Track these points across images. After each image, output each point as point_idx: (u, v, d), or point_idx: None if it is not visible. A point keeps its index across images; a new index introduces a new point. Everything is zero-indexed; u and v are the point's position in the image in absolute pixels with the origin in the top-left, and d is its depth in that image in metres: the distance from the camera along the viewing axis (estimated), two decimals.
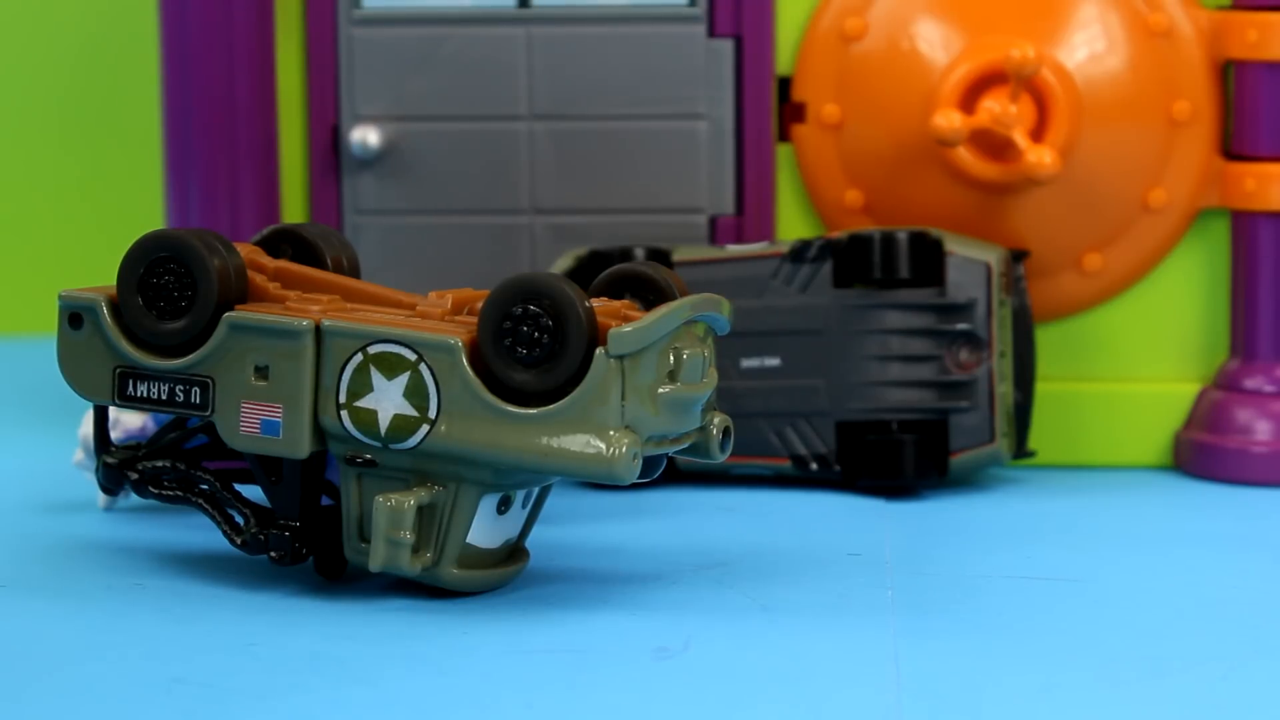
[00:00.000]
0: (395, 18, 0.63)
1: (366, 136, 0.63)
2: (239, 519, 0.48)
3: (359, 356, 0.45)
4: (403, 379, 0.45)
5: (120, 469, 0.49)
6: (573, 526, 0.54)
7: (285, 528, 0.47)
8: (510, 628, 0.44)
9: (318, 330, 0.46)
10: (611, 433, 0.44)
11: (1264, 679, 0.40)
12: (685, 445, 0.47)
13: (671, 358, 0.45)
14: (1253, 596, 0.47)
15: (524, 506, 0.47)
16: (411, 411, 0.45)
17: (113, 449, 0.50)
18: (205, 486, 0.48)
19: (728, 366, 0.58)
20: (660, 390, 0.45)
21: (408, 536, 0.45)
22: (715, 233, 0.63)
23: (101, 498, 0.55)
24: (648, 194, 0.63)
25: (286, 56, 0.64)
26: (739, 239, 0.63)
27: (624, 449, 0.44)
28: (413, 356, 0.45)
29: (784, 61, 0.63)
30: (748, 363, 0.58)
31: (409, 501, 0.45)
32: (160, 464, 0.49)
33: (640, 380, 0.45)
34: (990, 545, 0.52)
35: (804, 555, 0.51)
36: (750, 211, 0.63)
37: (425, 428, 0.45)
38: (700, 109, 0.63)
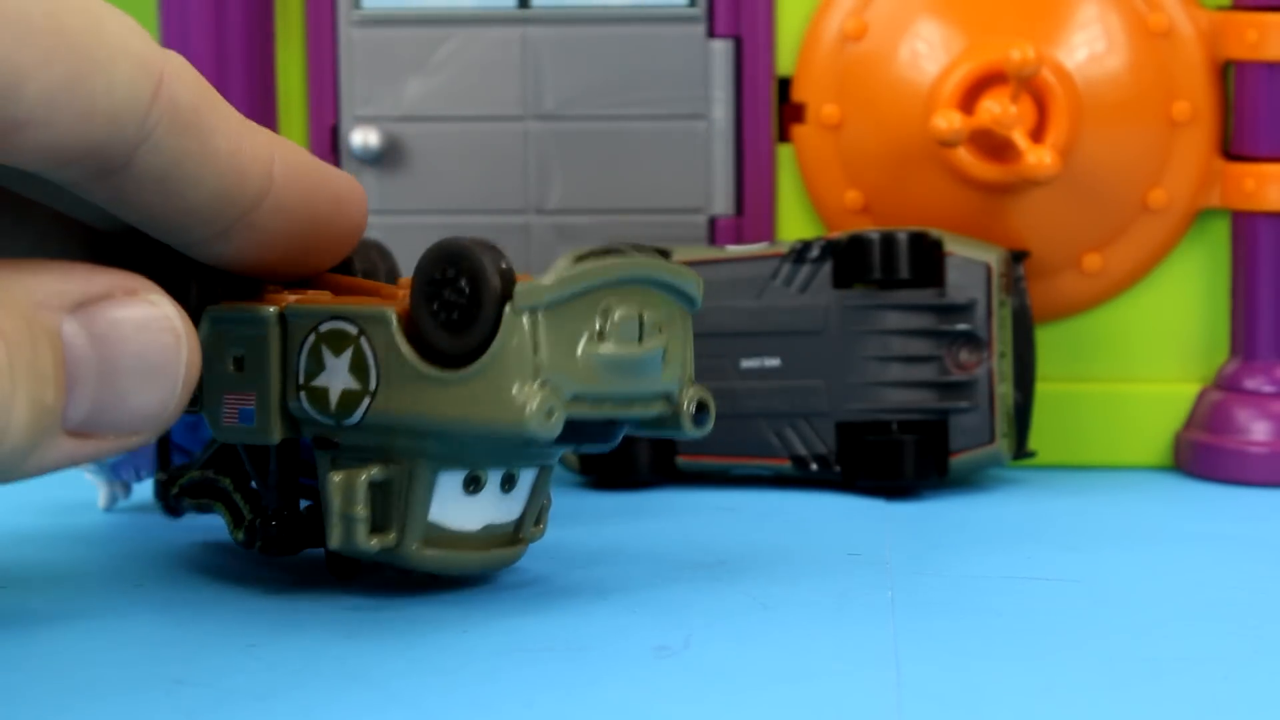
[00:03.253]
0: (395, 18, 0.63)
1: (367, 137, 0.63)
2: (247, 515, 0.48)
3: (312, 337, 0.45)
4: (347, 354, 0.45)
5: (167, 487, 0.51)
6: (573, 526, 0.54)
7: (272, 518, 0.47)
8: (510, 626, 0.44)
9: (282, 317, 0.46)
10: (523, 387, 0.43)
11: (1264, 679, 0.40)
12: (649, 416, 0.46)
13: (600, 318, 0.45)
14: (1252, 597, 0.47)
15: (508, 490, 0.47)
16: (355, 385, 0.45)
17: (167, 469, 0.51)
18: (223, 487, 0.49)
19: (727, 367, 0.58)
20: (586, 349, 0.44)
21: (362, 511, 0.44)
22: (715, 233, 0.63)
23: (102, 498, 0.55)
24: (648, 194, 0.63)
25: (286, 57, 0.64)
26: (739, 239, 0.63)
27: (536, 404, 0.43)
28: (354, 330, 0.45)
29: (784, 62, 0.63)
30: (747, 363, 0.58)
31: (361, 476, 0.45)
32: (193, 475, 0.49)
33: (558, 336, 0.44)
34: (990, 545, 0.52)
35: (804, 555, 0.51)
36: (750, 212, 0.63)
37: (367, 400, 0.45)
38: (700, 109, 0.63)
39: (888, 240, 0.58)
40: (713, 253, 0.59)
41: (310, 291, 0.47)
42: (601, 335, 0.44)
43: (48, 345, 0.41)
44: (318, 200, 0.46)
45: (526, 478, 0.47)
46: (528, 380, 0.43)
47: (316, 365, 0.45)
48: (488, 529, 0.46)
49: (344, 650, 0.42)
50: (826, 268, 0.58)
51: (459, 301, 0.44)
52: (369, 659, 0.42)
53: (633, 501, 0.57)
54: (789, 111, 0.63)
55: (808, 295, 0.58)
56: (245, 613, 0.45)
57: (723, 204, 0.63)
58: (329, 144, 0.64)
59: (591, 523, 0.55)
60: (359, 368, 0.45)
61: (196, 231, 0.45)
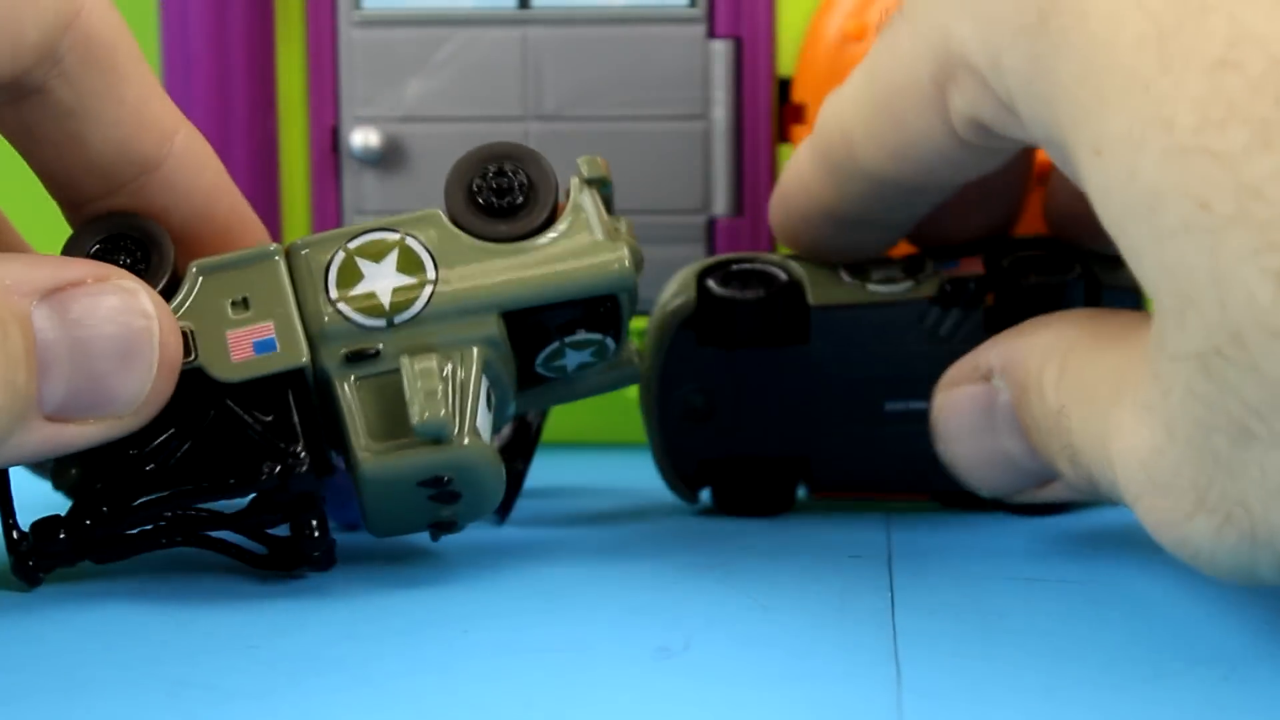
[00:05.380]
0: (395, 19, 0.63)
1: (368, 137, 0.63)
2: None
3: (341, 254, 0.47)
4: (391, 257, 0.47)
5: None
6: (573, 527, 0.54)
7: (287, 454, 0.47)
8: (511, 627, 0.44)
9: (287, 253, 0.48)
10: (609, 241, 0.48)
11: (1265, 680, 0.40)
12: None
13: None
14: (1253, 597, 0.47)
15: (491, 409, 0.48)
16: (409, 280, 0.47)
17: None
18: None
19: (872, 410, 0.54)
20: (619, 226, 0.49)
21: (441, 388, 0.46)
22: (715, 233, 0.63)
23: None
24: (648, 195, 0.63)
25: (287, 58, 0.64)
26: (739, 239, 0.63)
27: (624, 253, 0.48)
28: (396, 235, 0.48)
29: (784, 62, 0.63)
30: (892, 406, 0.55)
31: (431, 359, 0.46)
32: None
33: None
34: (991, 546, 0.52)
35: (805, 556, 0.51)
36: (750, 212, 0.63)
37: (429, 288, 0.47)
38: (700, 110, 0.63)
39: (1054, 289, 0.53)
40: (852, 294, 0.54)
41: None
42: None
43: (17, 329, 0.42)
44: (215, 200, 0.48)
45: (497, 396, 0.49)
46: (609, 236, 0.48)
47: (353, 277, 0.47)
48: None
49: (344, 650, 0.42)
50: (978, 315, 0.53)
51: (514, 185, 0.48)
52: (369, 659, 0.42)
53: (634, 502, 0.57)
54: (789, 112, 0.63)
55: (957, 340, 0.53)
56: (245, 613, 0.45)
57: (723, 204, 0.63)
58: (329, 145, 0.64)
59: (592, 523, 0.55)
60: (410, 264, 0.47)
61: (89, 187, 0.46)
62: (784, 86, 0.63)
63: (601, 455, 0.66)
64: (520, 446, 0.55)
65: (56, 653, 0.42)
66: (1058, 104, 0.40)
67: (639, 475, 0.62)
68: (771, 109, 0.63)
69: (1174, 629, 0.44)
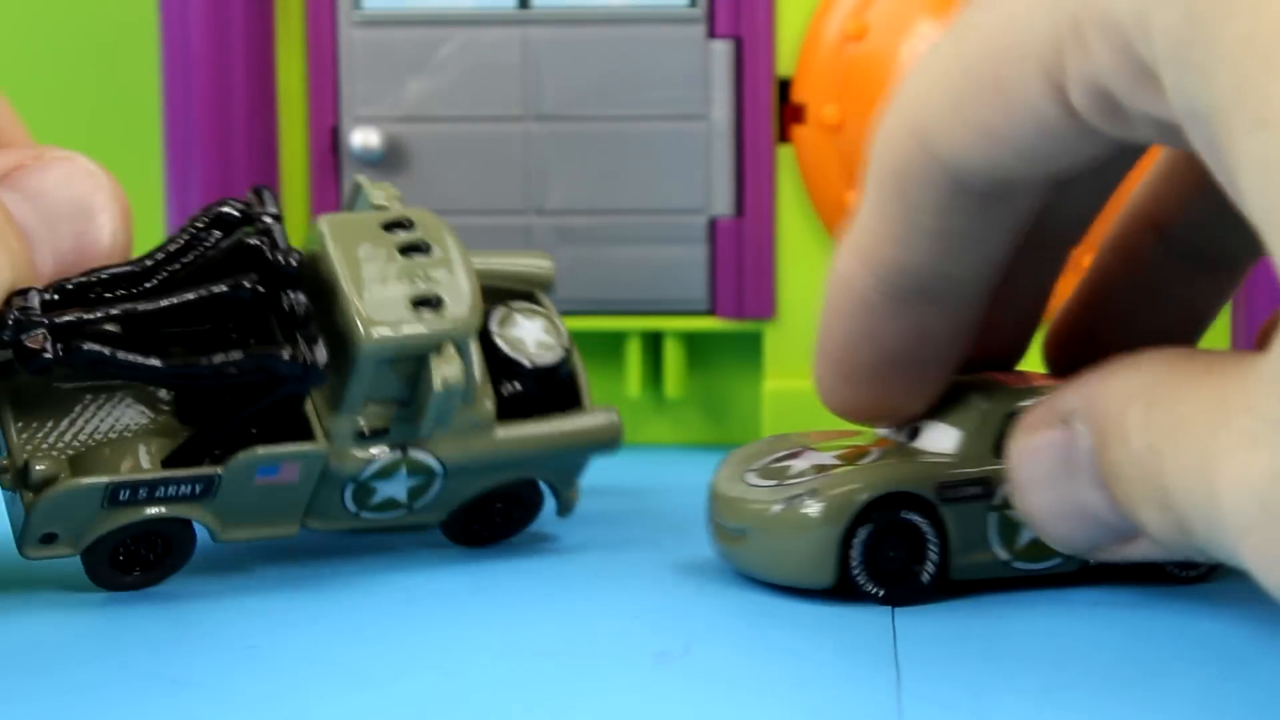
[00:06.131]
0: (395, 19, 0.63)
1: (368, 138, 0.63)
2: None
3: None
4: None
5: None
6: (573, 529, 0.54)
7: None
8: (511, 630, 0.44)
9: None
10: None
11: (1265, 681, 0.40)
12: None
13: None
14: (1255, 596, 0.47)
15: None
16: None
17: None
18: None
19: None
20: None
21: None
22: (715, 234, 0.63)
23: None
24: (648, 195, 0.63)
25: (287, 58, 0.64)
26: (740, 239, 0.63)
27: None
28: None
29: (784, 62, 0.63)
30: None
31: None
32: None
33: None
34: None
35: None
36: (750, 213, 0.63)
37: None
38: (700, 110, 0.63)
39: None
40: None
41: None
42: None
43: None
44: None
45: None
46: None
47: None
48: None
49: (344, 652, 0.42)
50: None
51: None
52: (369, 661, 0.42)
53: (635, 503, 0.57)
54: (789, 112, 0.63)
55: None
56: (245, 613, 0.45)
57: (723, 205, 0.63)
58: (329, 145, 0.64)
59: (591, 528, 0.55)
60: None
61: None
62: (784, 86, 0.63)
63: (603, 455, 0.66)
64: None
65: (57, 652, 0.42)
66: (1215, 69, 0.36)
67: (639, 477, 0.62)
68: (772, 109, 0.63)
69: (1174, 629, 0.44)
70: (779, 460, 0.48)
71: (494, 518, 0.52)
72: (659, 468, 0.63)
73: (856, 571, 0.46)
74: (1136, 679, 0.40)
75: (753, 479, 0.48)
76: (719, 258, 0.63)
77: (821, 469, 0.47)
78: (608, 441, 0.52)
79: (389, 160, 0.63)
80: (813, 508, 0.46)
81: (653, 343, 0.66)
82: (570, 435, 0.51)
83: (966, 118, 0.42)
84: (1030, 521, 0.44)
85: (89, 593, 0.47)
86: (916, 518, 0.46)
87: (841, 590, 0.46)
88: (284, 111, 0.64)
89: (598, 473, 0.62)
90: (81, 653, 0.42)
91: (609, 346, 0.66)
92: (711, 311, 0.64)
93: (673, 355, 0.65)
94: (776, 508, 0.46)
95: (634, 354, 0.65)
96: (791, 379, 0.64)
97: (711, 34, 0.63)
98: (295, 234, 0.65)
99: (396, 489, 0.49)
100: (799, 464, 0.48)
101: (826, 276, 0.47)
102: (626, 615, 0.45)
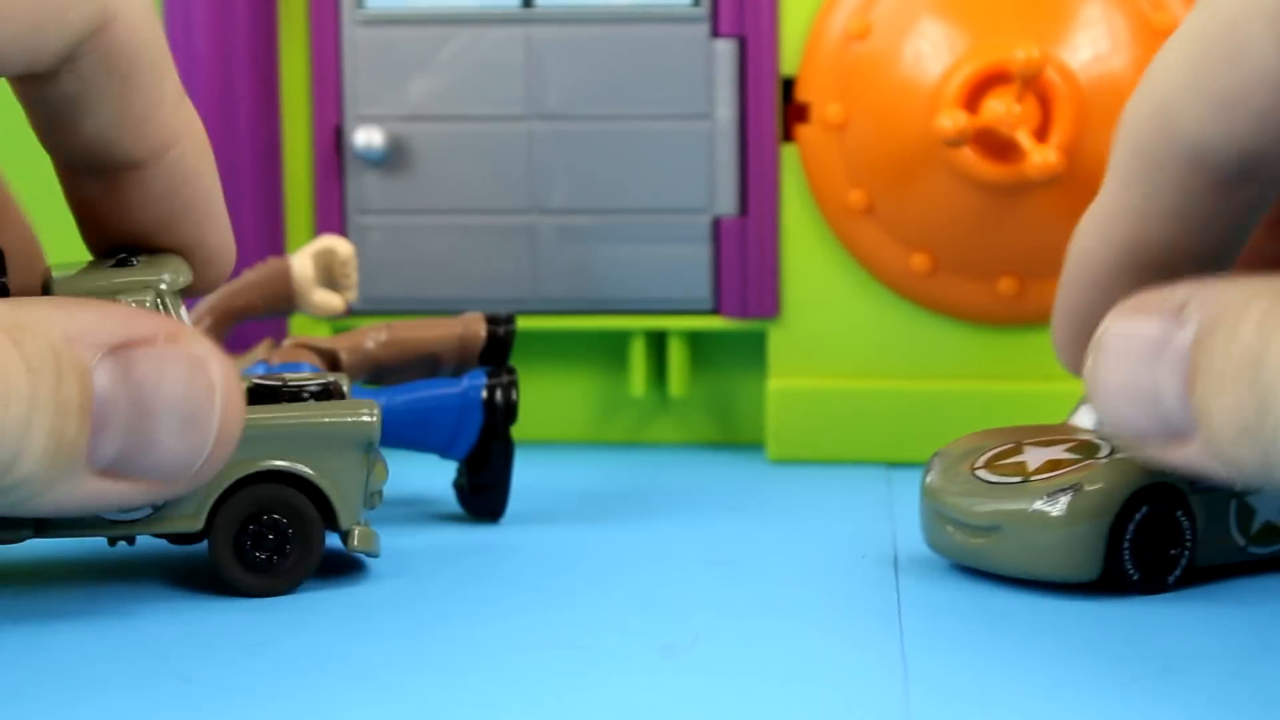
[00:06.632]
0: (399, 18, 0.63)
1: (371, 137, 0.63)
2: None
3: None
4: None
5: None
6: (578, 524, 0.54)
7: None
8: (517, 624, 0.44)
9: None
10: None
11: (1272, 678, 0.40)
12: None
13: None
14: (1258, 595, 0.47)
15: None
16: None
17: None
18: None
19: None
20: None
21: None
22: (719, 233, 0.63)
23: None
24: (651, 194, 0.63)
25: (290, 57, 0.64)
26: (744, 238, 0.63)
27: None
28: None
29: (788, 62, 0.63)
30: None
31: None
32: None
33: None
34: None
35: (811, 554, 0.51)
36: (754, 212, 0.63)
37: None
38: (704, 109, 0.63)
39: None
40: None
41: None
42: None
43: (75, 382, 0.41)
44: (182, 219, 0.47)
45: None
46: None
47: None
48: None
49: (350, 648, 0.42)
50: None
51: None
52: (375, 656, 0.42)
53: (640, 500, 0.57)
54: (793, 111, 0.63)
55: None
56: (251, 611, 0.45)
57: (726, 204, 0.63)
58: (333, 144, 0.64)
59: (599, 521, 0.55)
60: None
61: (68, 157, 0.46)
62: (788, 86, 0.63)
63: (604, 454, 0.66)
64: (488, 459, 0.55)
65: (63, 650, 0.42)
66: None
67: (643, 475, 0.62)
68: (775, 108, 0.63)
69: (1181, 626, 0.44)
70: (1001, 457, 0.49)
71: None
72: (663, 466, 0.63)
73: (1126, 563, 0.46)
74: (1143, 675, 0.40)
75: (988, 476, 0.48)
76: (723, 257, 0.63)
77: (1059, 464, 0.47)
78: None
79: (392, 159, 0.63)
80: (1080, 502, 0.46)
81: (657, 342, 0.66)
82: None
83: (1204, 87, 0.42)
84: (1094, 395, 0.44)
85: (96, 590, 0.47)
86: (1173, 508, 0.47)
87: (1103, 583, 0.46)
88: (288, 111, 0.64)
89: (603, 471, 0.62)
90: (89, 650, 0.42)
91: (613, 346, 0.66)
92: (715, 311, 0.64)
93: (677, 354, 0.65)
94: (1038, 503, 0.46)
95: (638, 353, 0.65)
96: (795, 378, 0.64)
97: (715, 33, 0.63)
98: (297, 233, 0.65)
99: None
100: (1032, 460, 0.48)
101: (1072, 242, 0.47)
102: (633, 609, 0.45)
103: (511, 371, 0.55)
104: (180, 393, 0.42)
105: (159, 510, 0.46)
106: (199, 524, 0.47)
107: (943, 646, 0.42)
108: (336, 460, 0.47)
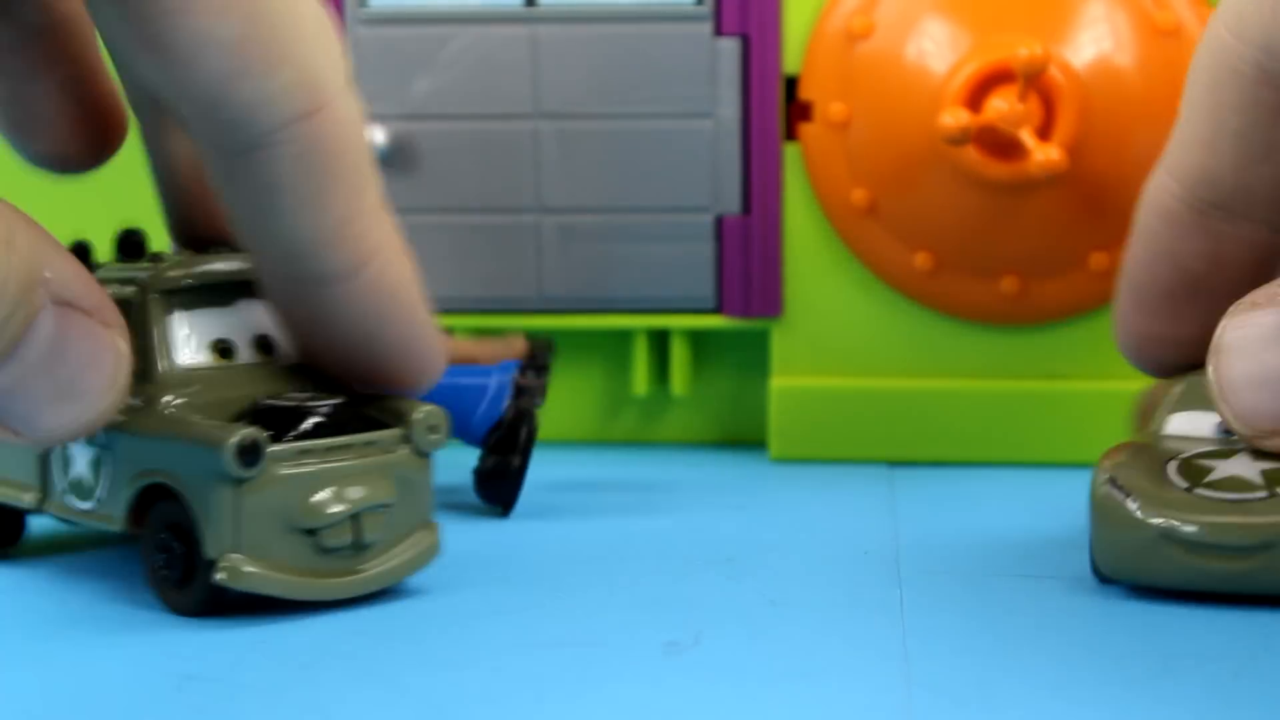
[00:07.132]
0: (402, 17, 0.63)
1: (374, 135, 0.63)
2: None
3: None
4: None
5: None
6: (582, 522, 0.54)
7: None
8: (520, 622, 0.44)
9: None
10: None
11: (1272, 678, 0.40)
12: None
13: None
14: (1261, 594, 0.47)
15: None
16: None
17: None
18: None
19: None
20: None
21: None
22: (722, 232, 0.63)
23: None
24: (654, 192, 0.63)
25: None
26: (747, 237, 0.63)
27: None
28: None
29: (791, 60, 0.63)
30: None
31: None
32: None
33: None
34: (1000, 543, 0.52)
35: (814, 552, 0.51)
36: (757, 210, 0.63)
37: None
38: (707, 108, 0.63)
39: None
40: None
41: None
42: None
43: (24, 315, 0.41)
44: (381, 329, 0.47)
45: None
46: None
47: None
48: None
49: (353, 645, 0.42)
50: None
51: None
52: (378, 654, 0.42)
53: (642, 498, 0.57)
54: (796, 110, 0.63)
55: None
56: (254, 608, 0.45)
57: (730, 202, 0.63)
58: None
59: (601, 519, 0.55)
60: None
61: (258, 259, 0.47)
62: (791, 84, 0.63)
63: (607, 452, 0.66)
64: (512, 442, 0.55)
65: (65, 648, 0.42)
66: None
67: (645, 474, 0.62)
68: (779, 107, 0.63)
69: (1183, 625, 0.44)
70: (1202, 458, 0.47)
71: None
72: (665, 465, 0.63)
73: None
74: (1146, 674, 0.40)
75: (1217, 494, 0.46)
76: (726, 256, 0.63)
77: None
78: None
79: (396, 158, 0.63)
80: None
81: (659, 341, 0.66)
82: None
83: None
84: (1218, 386, 0.45)
85: (98, 588, 0.47)
86: None
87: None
88: None
89: (606, 469, 0.62)
90: (91, 648, 0.42)
91: (616, 344, 0.66)
92: (718, 309, 0.64)
93: (679, 353, 0.65)
94: None
95: (641, 352, 0.65)
96: (798, 377, 0.64)
97: (718, 32, 0.63)
98: None
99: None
100: (1244, 471, 0.46)
101: (1145, 190, 0.49)
102: (636, 606, 0.45)
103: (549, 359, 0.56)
104: (84, 367, 0.43)
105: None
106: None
107: (945, 645, 0.42)
108: (204, 482, 0.44)
